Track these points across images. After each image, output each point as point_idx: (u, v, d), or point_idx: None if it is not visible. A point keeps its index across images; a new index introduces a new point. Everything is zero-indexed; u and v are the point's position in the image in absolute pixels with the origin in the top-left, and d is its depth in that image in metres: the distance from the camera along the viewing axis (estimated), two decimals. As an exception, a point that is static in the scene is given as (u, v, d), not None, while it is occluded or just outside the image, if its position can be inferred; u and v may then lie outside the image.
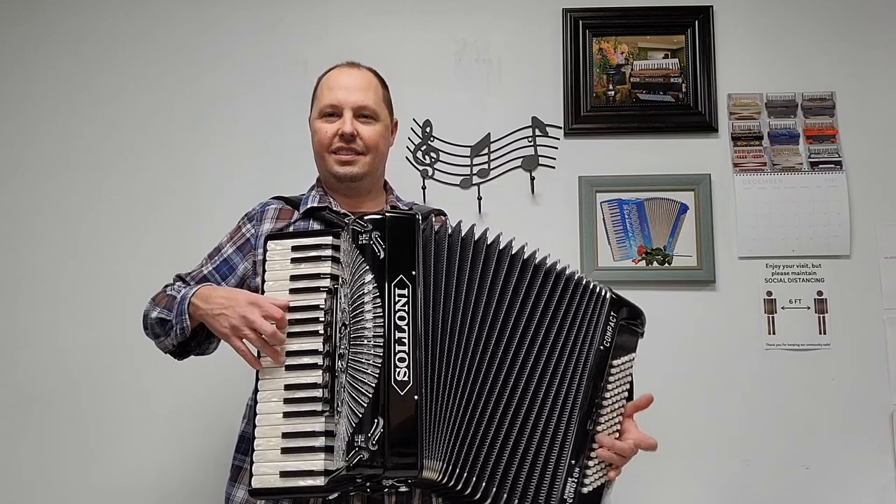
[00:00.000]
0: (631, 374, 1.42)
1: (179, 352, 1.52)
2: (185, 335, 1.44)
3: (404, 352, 1.26)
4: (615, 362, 1.39)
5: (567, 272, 1.41)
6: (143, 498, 2.10)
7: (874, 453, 2.05)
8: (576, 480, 1.33)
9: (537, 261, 1.40)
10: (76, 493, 2.10)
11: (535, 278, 1.38)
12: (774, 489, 2.05)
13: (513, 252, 1.39)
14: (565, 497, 1.32)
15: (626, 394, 1.41)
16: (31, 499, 2.10)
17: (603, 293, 1.42)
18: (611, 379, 1.38)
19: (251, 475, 1.28)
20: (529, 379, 1.35)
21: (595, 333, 1.40)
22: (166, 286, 1.57)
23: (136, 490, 2.10)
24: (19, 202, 2.22)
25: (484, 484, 1.29)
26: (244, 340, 1.34)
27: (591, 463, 1.35)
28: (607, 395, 1.38)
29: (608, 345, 1.39)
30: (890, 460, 2.05)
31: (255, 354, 1.34)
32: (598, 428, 1.36)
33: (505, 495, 1.30)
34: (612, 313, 1.41)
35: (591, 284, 1.42)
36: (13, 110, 2.25)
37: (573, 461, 1.33)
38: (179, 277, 1.59)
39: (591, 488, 1.34)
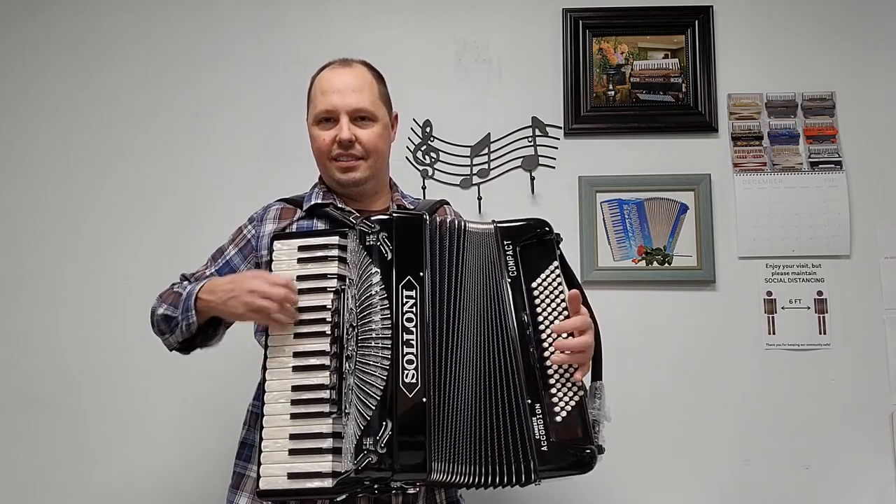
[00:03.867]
0: (561, 283, 1.37)
1: (185, 347, 1.52)
2: (192, 331, 1.44)
3: (412, 353, 1.27)
4: (534, 284, 1.36)
5: (454, 226, 1.38)
6: (142, 499, 2.09)
7: (874, 453, 2.05)
8: (541, 417, 1.29)
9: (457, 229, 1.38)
10: (76, 493, 2.10)
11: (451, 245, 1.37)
12: (774, 489, 2.05)
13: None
14: (537, 437, 1.28)
15: (562, 304, 1.36)
16: (31, 499, 2.10)
17: (486, 230, 1.39)
18: (537, 301, 1.35)
19: (258, 476, 1.29)
20: (477, 349, 1.33)
21: (498, 270, 1.37)
22: (173, 284, 1.57)
23: (136, 491, 2.10)
24: (19, 202, 2.22)
25: (471, 468, 1.28)
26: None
27: (553, 391, 1.32)
28: (540, 318, 1.35)
29: (515, 274, 1.36)
30: (890, 460, 2.05)
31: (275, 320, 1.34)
32: (546, 354, 1.33)
33: (488, 468, 1.28)
34: (504, 242, 1.38)
35: (475, 227, 1.39)
36: (13, 110, 2.25)
37: (529, 401, 1.30)
38: (185, 277, 1.59)
39: (564, 414, 1.31)
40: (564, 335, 1.34)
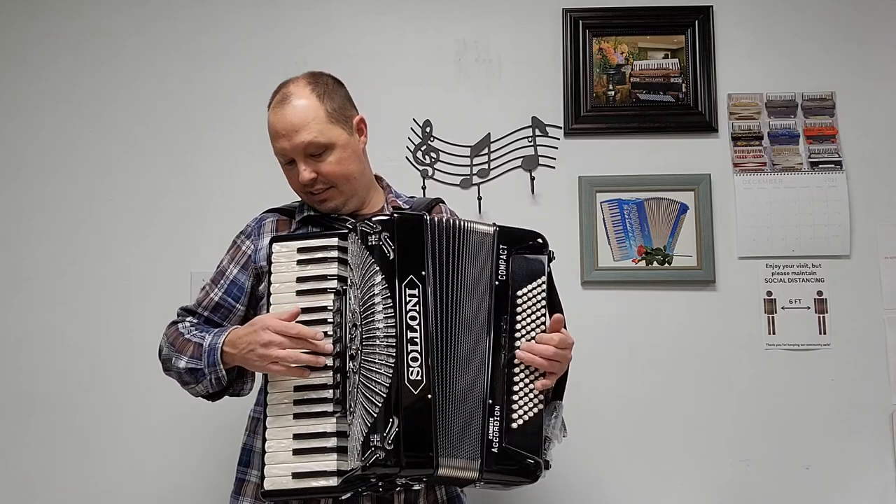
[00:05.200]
0: (544, 299, 1.39)
1: (212, 397, 1.50)
2: (223, 384, 1.43)
3: (417, 351, 1.28)
4: (519, 292, 1.38)
5: (461, 225, 1.38)
6: (143, 500, 2.09)
7: (874, 453, 2.05)
8: (498, 419, 1.31)
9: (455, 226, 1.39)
10: (76, 494, 2.10)
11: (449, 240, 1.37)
12: (774, 489, 2.05)
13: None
14: (490, 437, 1.30)
15: (542, 318, 1.39)
16: (31, 499, 2.10)
17: (485, 230, 1.40)
18: (518, 310, 1.37)
19: (263, 476, 1.29)
20: (465, 344, 1.34)
21: (488, 271, 1.37)
22: (176, 323, 1.54)
23: (137, 492, 2.09)
24: (19, 202, 2.22)
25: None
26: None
27: (514, 398, 1.33)
28: (518, 325, 1.36)
29: (503, 278, 1.38)
30: (890, 460, 2.05)
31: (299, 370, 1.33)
32: (516, 362, 1.35)
33: (464, 460, 1.29)
34: (501, 246, 1.39)
35: (476, 226, 1.40)
36: (13, 110, 2.25)
37: (490, 401, 1.32)
38: (187, 311, 1.56)
39: (520, 422, 1.33)
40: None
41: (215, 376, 1.41)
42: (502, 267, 1.38)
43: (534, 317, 1.38)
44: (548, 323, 1.39)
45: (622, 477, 2.07)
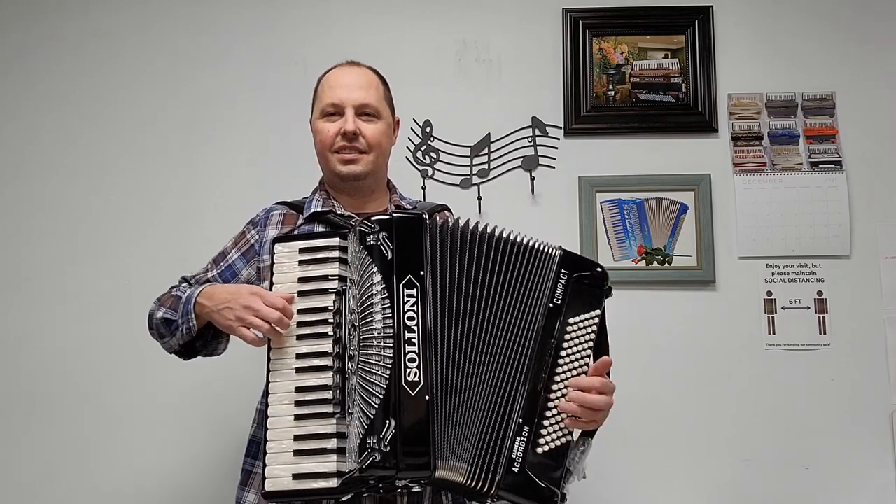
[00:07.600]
0: (595, 333, 1.36)
1: (185, 352, 1.52)
2: (192, 334, 1.44)
3: (414, 352, 1.27)
4: (571, 320, 1.35)
5: (515, 239, 1.37)
6: (146, 500, 2.09)
7: (874, 453, 2.05)
8: (525, 440, 1.29)
9: (498, 235, 1.37)
10: (76, 494, 2.10)
11: (489, 251, 1.36)
12: (774, 489, 2.05)
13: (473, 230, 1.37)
14: (514, 456, 1.28)
15: (588, 352, 1.35)
16: (31, 499, 2.10)
17: (550, 251, 1.38)
18: (567, 337, 1.34)
19: (264, 478, 1.28)
20: (487, 352, 1.32)
21: (542, 292, 1.36)
22: (172, 287, 1.57)
23: (140, 492, 2.09)
24: (19, 202, 2.22)
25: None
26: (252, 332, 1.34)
27: (545, 423, 1.31)
28: (563, 353, 1.34)
29: (559, 302, 1.35)
30: (890, 460, 2.05)
31: (262, 340, 1.35)
32: (553, 388, 1.32)
33: (466, 466, 1.27)
34: (562, 270, 1.37)
35: (540, 245, 1.38)
36: (13, 110, 2.25)
37: (521, 420, 1.30)
38: (185, 279, 1.59)
39: (546, 448, 1.30)
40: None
41: (186, 326, 1.43)
42: (560, 291, 1.36)
43: (580, 348, 1.35)
44: (592, 359, 1.36)
45: (622, 477, 2.07)
